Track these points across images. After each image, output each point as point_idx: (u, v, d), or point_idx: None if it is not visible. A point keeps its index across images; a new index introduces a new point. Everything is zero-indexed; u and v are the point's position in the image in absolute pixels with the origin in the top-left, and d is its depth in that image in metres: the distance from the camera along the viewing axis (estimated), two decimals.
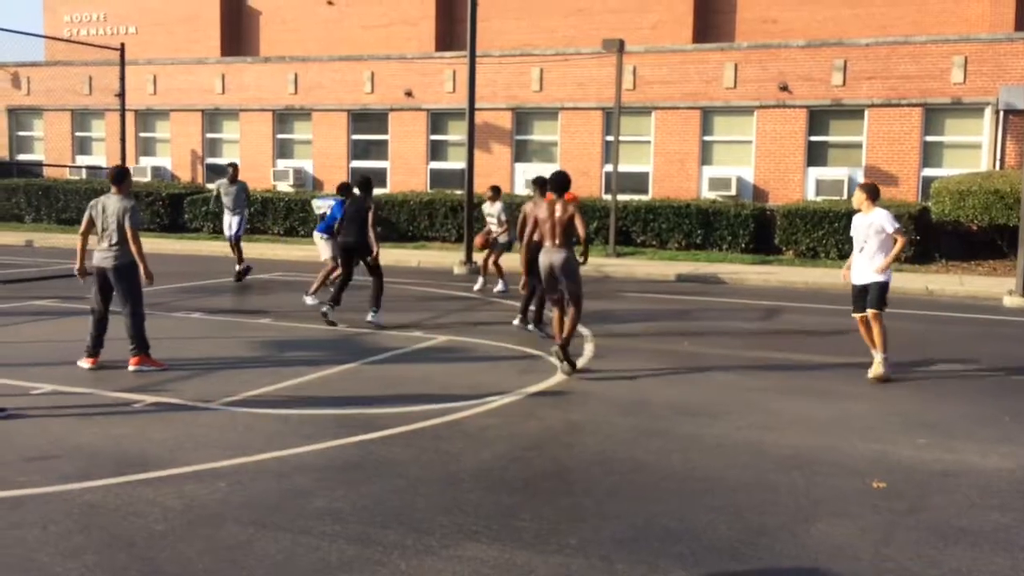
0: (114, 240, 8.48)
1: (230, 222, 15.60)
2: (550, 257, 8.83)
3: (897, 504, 5.39)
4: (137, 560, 4.50)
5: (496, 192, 14.62)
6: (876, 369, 8.62)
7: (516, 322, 11.02)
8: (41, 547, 4.63)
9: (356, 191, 11.71)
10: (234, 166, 16.10)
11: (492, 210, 14.44)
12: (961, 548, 4.79)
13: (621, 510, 5.23)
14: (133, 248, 8.48)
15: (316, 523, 4.97)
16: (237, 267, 15.34)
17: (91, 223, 8.65)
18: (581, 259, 8.93)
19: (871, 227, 8.66)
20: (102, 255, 8.56)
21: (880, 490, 5.62)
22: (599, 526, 5.00)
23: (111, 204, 8.55)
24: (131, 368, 8.53)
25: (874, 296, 8.65)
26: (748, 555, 4.65)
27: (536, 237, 9.07)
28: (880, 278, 8.64)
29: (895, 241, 8.63)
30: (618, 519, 5.09)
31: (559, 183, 8.94)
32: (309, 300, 12.81)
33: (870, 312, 8.68)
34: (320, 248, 13.67)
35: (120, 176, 8.72)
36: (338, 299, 11.36)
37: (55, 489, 5.44)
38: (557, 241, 8.81)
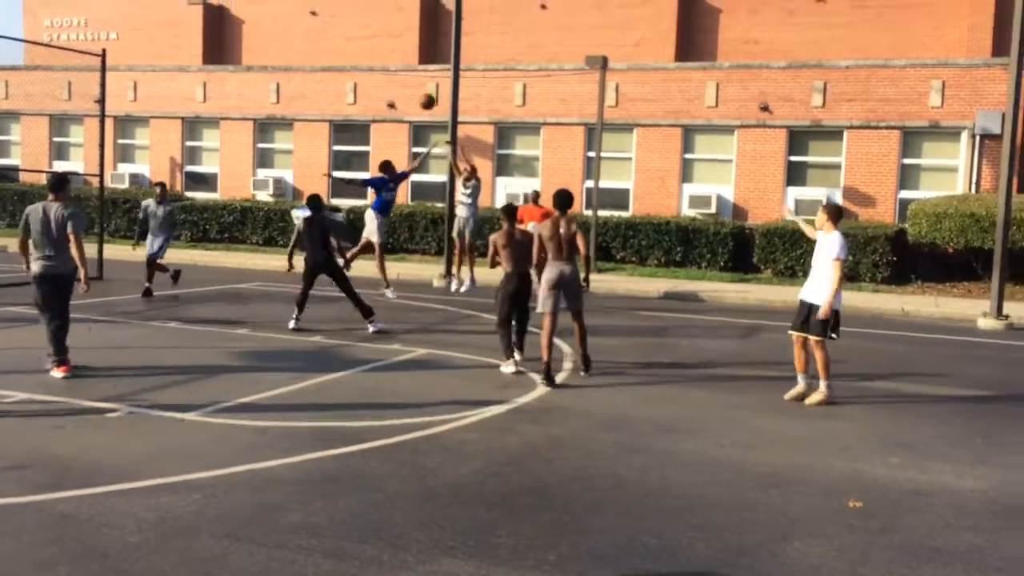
0: (61, 247, 8.42)
1: (152, 242, 14.40)
2: (560, 268, 9.26)
3: (872, 523, 5.42)
4: (110, 572, 4.45)
5: (473, 170, 15.48)
6: (816, 396, 8.40)
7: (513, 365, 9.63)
8: (14, 557, 4.58)
9: (308, 211, 12.17)
10: (162, 185, 15.04)
11: (467, 188, 15.14)
12: (934, 568, 4.82)
13: (600, 527, 5.23)
14: (77, 255, 8.40)
15: (292, 537, 4.93)
16: (147, 284, 14.11)
17: (28, 231, 8.55)
18: (584, 282, 9.51)
19: (824, 248, 8.48)
20: (47, 263, 8.45)
21: (856, 509, 5.65)
22: (578, 543, 4.99)
23: (53, 211, 8.44)
24: (61, 375, 8.45)
25: (817, 322, 8.35)
26: (726, 574, 4.65)
27: (503, 262, 9.54)
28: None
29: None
30: (597, 536, 5.09)
31: (565, 201, 9.45)
32: (390, 294, 14.25)
33: (812, 339, 8.44)
34: (368, 227, 14.78)
35: (59, 183, 8.65)
36: (302, 307, 11.73)
37: (28, 499, 5.37)
38: (564, 255, 9.29)
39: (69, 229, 8.35)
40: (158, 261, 14.47)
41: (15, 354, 9.58)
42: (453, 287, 14.92)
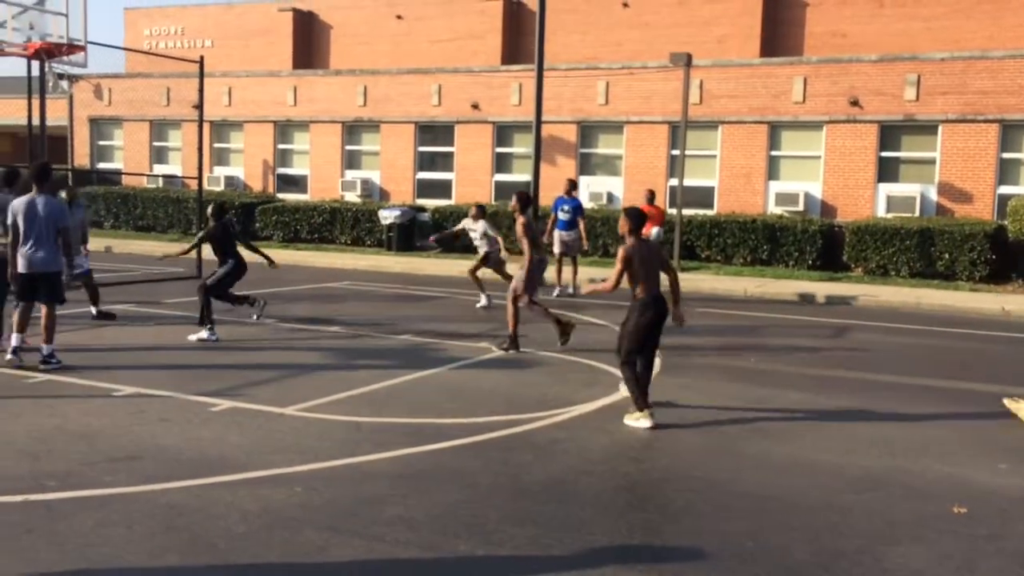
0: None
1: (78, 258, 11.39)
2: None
3: (978, 530, 5.27)
4: (218, 561, 4.62)
5: (481, 211, 14.17)
6: None
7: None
8: (127, 546, 4.77)
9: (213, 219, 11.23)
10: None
11: (475, 227, 14.14)
12: None
13: (694, 528, 5.21)
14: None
15: (390, 530, 5.04)
16: (95, 309, 11.91)
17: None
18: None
19: None
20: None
21: (960, 516, 5.50)
22: (673, 543, 4.98)
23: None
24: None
25: None
26: None
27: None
28: None
29: None
30: (692, 536, 5.07)
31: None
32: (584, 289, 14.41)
33: None
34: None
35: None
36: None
37: (139, 489, 5.60)
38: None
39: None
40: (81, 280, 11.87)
41: (122, 350, 9.99)
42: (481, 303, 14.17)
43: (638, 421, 7.40)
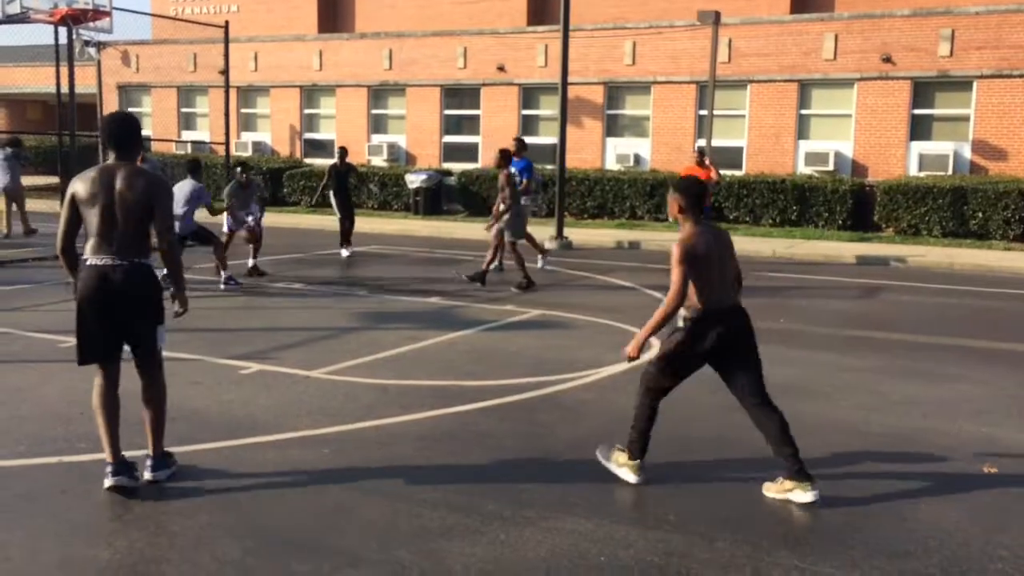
0: None
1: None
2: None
3: (1008, 490, 5.22)
4: (246, 520, 4.69)
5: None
6: None
7: None
8: (157, 506, 4.85)
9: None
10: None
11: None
12: None
13: (716, 488, 5.20)
14: None
15: (417, 491, 5.09)
16: None
17: None
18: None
19: None
20: None
21: (990, 474, 5.45)
22: (698, 503, 4.98)
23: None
24: None
25: None
26: (854, 539, 4.57)
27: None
28: None
29: None
30: (717, 497, 5.07)
31: None
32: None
33: None
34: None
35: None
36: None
37: (172, 450, 5.67)
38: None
39: None
40: None
41: None
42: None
43: (624, 471, 5.23)
